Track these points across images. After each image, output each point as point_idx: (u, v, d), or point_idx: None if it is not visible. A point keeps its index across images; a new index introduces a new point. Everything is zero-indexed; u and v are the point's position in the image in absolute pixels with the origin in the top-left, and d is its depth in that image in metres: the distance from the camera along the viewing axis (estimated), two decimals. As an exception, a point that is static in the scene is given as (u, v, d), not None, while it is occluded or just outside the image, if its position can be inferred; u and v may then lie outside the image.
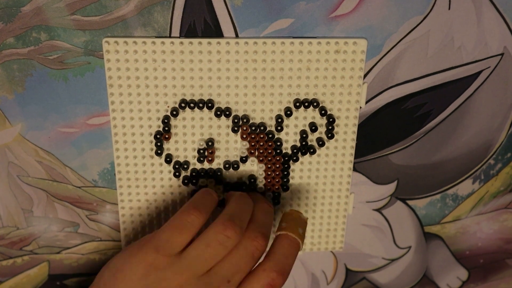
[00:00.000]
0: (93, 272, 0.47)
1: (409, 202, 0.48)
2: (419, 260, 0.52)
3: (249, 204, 0.39)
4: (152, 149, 0.41)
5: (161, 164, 0.42)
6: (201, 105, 0.39)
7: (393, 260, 0.51)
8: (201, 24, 0.38)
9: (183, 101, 0.39)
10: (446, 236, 0.51)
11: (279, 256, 0.37)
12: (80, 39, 0.38)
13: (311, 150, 0.42)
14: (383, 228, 0.49)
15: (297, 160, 0.42)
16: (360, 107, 0.42)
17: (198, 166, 0.42)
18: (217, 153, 0.42)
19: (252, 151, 0.42)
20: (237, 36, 0.39)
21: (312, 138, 0.42)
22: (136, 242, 0.38)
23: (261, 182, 0.43)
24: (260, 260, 0.37)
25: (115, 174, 0.42)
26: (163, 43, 0.38)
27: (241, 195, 0.39)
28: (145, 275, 0.35)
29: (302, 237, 0.39)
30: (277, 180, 0.43)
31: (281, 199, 0.44)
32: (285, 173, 0.43)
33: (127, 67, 0.38)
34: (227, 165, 0.42)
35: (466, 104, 0.44)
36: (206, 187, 0.43)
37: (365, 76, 0.42)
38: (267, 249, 0.38)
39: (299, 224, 0.39)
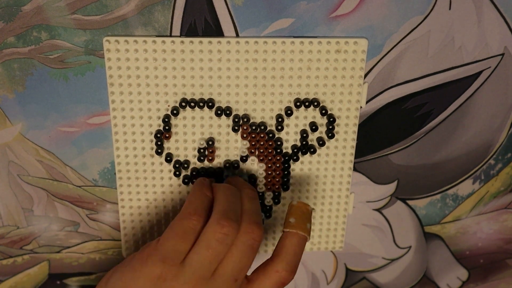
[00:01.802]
0: (93, 272, 0.47)
1: (409, 202, 0.48)
2: (419, 260, 0.52)
3: (237, 195, 0.38)
4: (152, 148, 0.41)
5: (161, 163, 0.42)
6: (201, 104, 0.40)
7: (393, 260, 0.51)
8: (201, 23, 0.38)
9: (183, 100, 0.39)
10: (446, 236, 0.51)
11: (290, 256, 0.37)
12: (80, 39, 0.38)
13: (312, 150, 0.42)
14: (383, 228, 0.49)
15: (297, 159, 0.42)
16: (361, 107, 0.42)
17: (199, 165, 0.42)
18: (217, 152, 0.42)
19: (253, 151, 0.42)
20: (237, 35, 0.39)
21: (312, 137, 0.42)
22: (135, 255, 0.37)
23: (261, 181, 0.43)
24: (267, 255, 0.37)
25: (115, 173, 0.42)
26: (163, 42, 0.38)
27: (227, 188, 0.39)
28: None
29: (309, 230, 0.38)
30: (277, 179, 0.43)
31: (281, 198, 0.44)
32: (286, 172, 0.43)
33: (127, 66, 0.38)
34: (227, 165, 0.42)
35: (467, 104, 0.44)
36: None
37: (365, 76, 0.42)
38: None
39: (307, 218, 0.39)
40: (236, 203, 0.38)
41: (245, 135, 0.41)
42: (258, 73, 0.39)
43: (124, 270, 0.36)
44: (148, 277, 0.34)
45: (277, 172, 0.43)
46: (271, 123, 0.41)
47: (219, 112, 0.40)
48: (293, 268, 0.37)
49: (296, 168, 0.43)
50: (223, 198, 0.38)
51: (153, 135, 0.41)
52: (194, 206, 0.37)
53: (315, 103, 0.40)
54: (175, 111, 0.39)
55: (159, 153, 0.41)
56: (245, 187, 0.40)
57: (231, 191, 0.38)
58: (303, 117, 0.41)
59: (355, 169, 0.45)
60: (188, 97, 0.39)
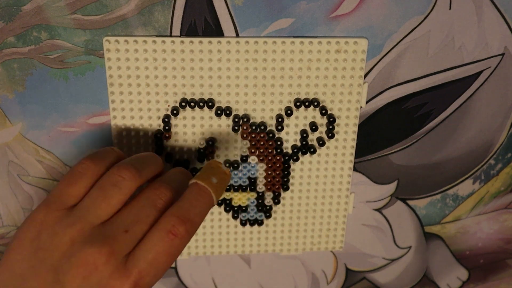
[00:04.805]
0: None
1: (409, 202, 0.48)
2: (419, 260, 0.52)
3: (158, 162, 0.36)
4: (152, 148, 0.41)
5: (161, 164, 0.42)
6: (201, 104, 0.40)
7: (393, 260, 0.51)
8: (201, 23, 0.38)
9: (183, 100, 0.39)
10: (446, 236, 0.51)
11: (183, 202, 0.33)
12: (80, 38, 0.38)
13: (312, 150, 0.42)
14: (383, 228, 0.49)
15: (297, 159, 0.42)
16: (361, 107, 0.42)
17: (199, 165, 0.42)
18: (217, 152, 0.42)
19: (253, 150, 0.42)
20: (237, 35, 0.39)
21: (312, 137, 0.42)
22: None
23: (261, 181, 0.43)
24: None
25: (115, 173, 0.42)
26: (163, 42, 0.38)
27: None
28: (37, 236, 0.31)
29: (216, 187, 0.34)
30: (277, 179, 0.43)
31: (281, 198, 0.44)
32: (286, 172, 0.43)
33: (127, 66, 0.38)
34: (227, 164, 0.42)
35: (467, 104, 0.44)
36: None
37: (365, 75, 0.42)
38: None
39: (215, 173, 0.35)
40: (149, 161, 0.35)
41: (245, 135, 0.41)
42: (258, 73, 0.39)
43: (22, 222, 0.34)
44: (32, 223, 0.32)
45: (277, 172, 0.43)
46: (271, 123, 0.41)
47: (219, 112, 0.40)
48: (186, 216, 0.32)
49: (296, 168, 0.43)
50: (137, 156, 0.35)
51: (153, 135, 0.41)
52: (89, 155, 0.34)
53: (315, 103, 0.40)
54: (175, 111, 0.39)
55: (159, 153, 0.41)
56: (177, 168, 0.37)
57: (153, 157, 0.36)
58: (303, 117, 0.41)
59: (355, 169, 0.45)
60: (188, 97, 0.39)
